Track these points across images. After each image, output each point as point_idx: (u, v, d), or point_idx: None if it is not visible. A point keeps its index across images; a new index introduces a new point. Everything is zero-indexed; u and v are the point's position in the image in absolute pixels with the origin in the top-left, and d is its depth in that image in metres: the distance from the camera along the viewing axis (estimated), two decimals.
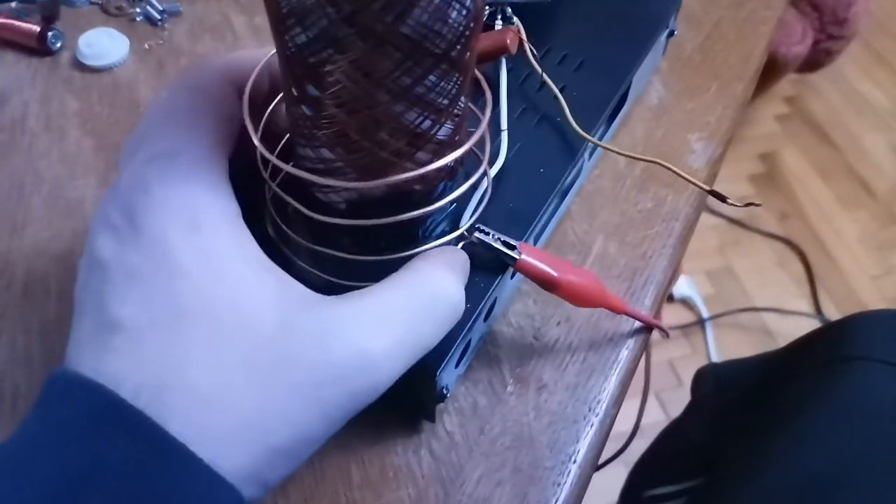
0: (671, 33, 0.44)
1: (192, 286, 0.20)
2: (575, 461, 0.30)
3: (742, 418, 0.47)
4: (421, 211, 0.25)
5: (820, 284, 1.28)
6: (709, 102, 0.44)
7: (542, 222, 0.34)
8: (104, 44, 0.43)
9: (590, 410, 0.31)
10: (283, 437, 0.20)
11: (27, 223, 0.37)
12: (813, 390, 0.41)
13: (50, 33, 0.43)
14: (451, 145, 0.26)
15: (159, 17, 0.46)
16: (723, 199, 0.33)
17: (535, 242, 0.35)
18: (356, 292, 0.23)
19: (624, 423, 0.36)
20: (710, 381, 0.52)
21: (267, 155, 0.24)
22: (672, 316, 1.21)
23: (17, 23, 0.43)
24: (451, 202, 0.26)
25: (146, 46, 0.45)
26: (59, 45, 0.44)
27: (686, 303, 1.23)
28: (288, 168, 0.24)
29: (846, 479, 0.36)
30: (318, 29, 0.21)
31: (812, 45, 1.24)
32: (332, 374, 0.20)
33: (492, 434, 0.30)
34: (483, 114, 0.27)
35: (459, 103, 0.25)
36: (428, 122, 0.24)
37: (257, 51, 0.26)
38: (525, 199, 0.32)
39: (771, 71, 1.26)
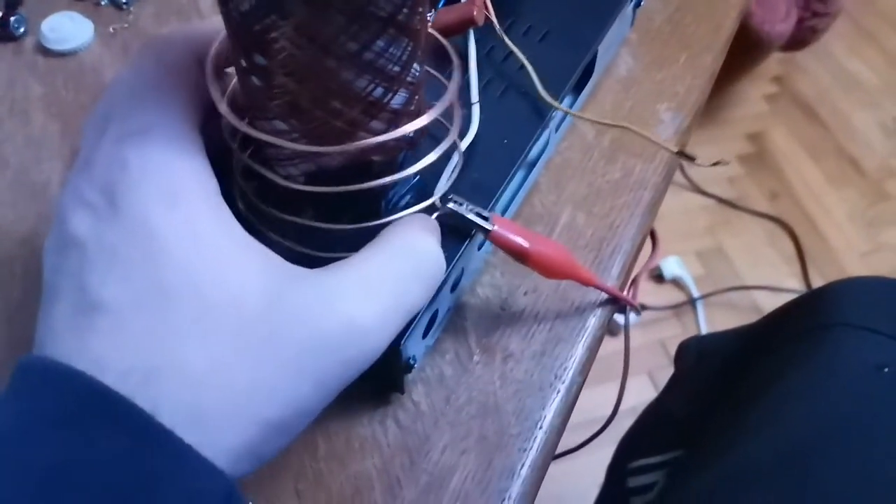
0: (638, 4, 0.44)
1: (177, 264, 0.20)
2: (541, 427, 0.30)
3: (722, 389, 0.47)
4: (383, 180, 0.25)
5: (810, 262, 1.28)
6: (678, 73, 0.44)
7: (508, 194, 0.34)
8: (68, 28, 0.43)
9: (556, 378, 0.31)
10: (277, 412, 0.20)
11: None
12: (792, 358, 0.41)
13: (13, 18, 0.43)
14: (408, 115, 0.25)
15: (124, 1, 0.45)
16: (691, 159, 0.33)
17: (503, 214, 0.35)
18: (340, 262, 0.23)
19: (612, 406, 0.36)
20: (693, 353, 0.52)
21: (230, 117, 0.24)
22: (663, 296, 1.21)
23: None
24: (415, 174, 0.26)
25: (111, 30, 0.44)
26: (22, 29, 0.43)
27: (677, 283, 1.23)
28: (249, 130, 0.24)
29: (825, 445, 0.36)
30: None
31: (797, 22, 1.24)
32: (324, 345, 0.20)
33: (458, 403, 0.30)
34: (450, 84, 0.26)
35: (413, 70, 0.24)
36: (380, 90, 0.23)
37: (217, 19, 0.26)
38: (489, 171, 0.32)
39: (756, 49, 1.25)
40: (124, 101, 0.23)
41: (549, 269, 0.30)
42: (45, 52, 0.43)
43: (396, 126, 0.25)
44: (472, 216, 0.28)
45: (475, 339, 0.32)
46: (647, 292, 1.21)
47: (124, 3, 0.45)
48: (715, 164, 0.32)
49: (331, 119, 0.23)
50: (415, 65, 0.24)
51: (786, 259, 1.29)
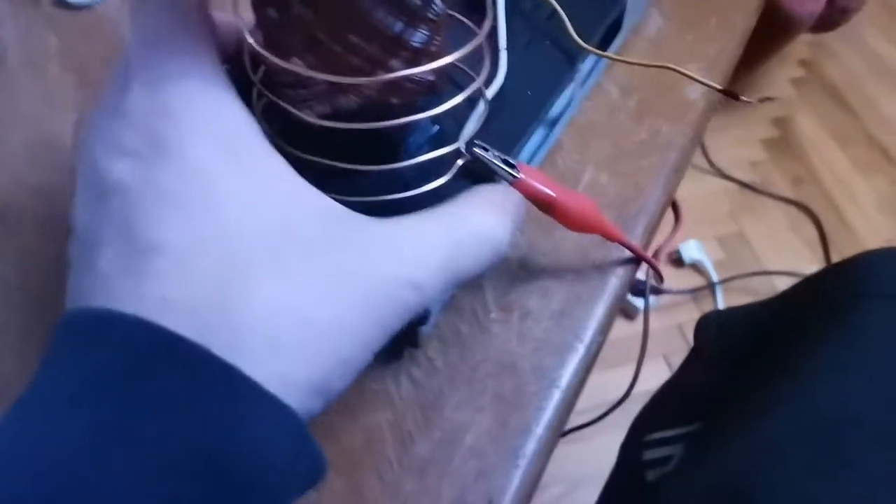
0: None
1: (239, 206, 0.19)
2: (559, 387, 0.29)
3: (745, 361, 0.45)
4: (408, 118, 0.24)
5: (833, 249, 1.25)
6: (709, 35, 0.43)
7: (529, 149, 0.33)
8: None
9: (575, 337, 0.30)
10: (348, 348, 0.20)
11: (6, 159, 0.36)
12: (822, 328, 0.40)
13: None
14: (429, 56, 0.24)
15: None
16: (735, 97, 0.31)
17: None
18: (398, 217, 0.23)
19: (636, 385, 0.35)
20: (713, 326, 0.51)
21: (256, 47, 0.23)
22: (682, 280, 1.20)
23: None
24: (435, 121, 0.25)
25: None
26: None
27: (696, 267, 1.21)
28: (274, 59, 0.23)
29: (858, 420, 0.34)
30: None
31: (827, 2, 1.20)
32: (386, 287, 0.21)
33: (474, 361, 0.30)
34: (480, 29, 0.25)
35: (434, 6, 0.23)
36: (400, 25, 0.22)
37: None
38: (512, 122, 0.31)
39: (784, 30, 1.22)
40: (150, 47, 0.22)
41: (574, 222, 0.29)
42: (63, 4, 0.43)
43: (416, 66, 0.24)
44: (498, 163, 0.27)
45: (493, 297, 0.31)
46: (666, 276, 1.19)
47: None
48: (763, 99, 0.31)
49: (349, 55, 0.23)
50: (434, 1, 0.23)
51: (808, 245, 1.26)
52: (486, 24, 0.25)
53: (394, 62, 0.23)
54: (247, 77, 0.24)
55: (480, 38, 0.25)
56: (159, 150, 0.20)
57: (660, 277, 0.34)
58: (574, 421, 0.30)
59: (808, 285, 0.45)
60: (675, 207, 0.41)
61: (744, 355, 0.46)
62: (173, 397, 0.17)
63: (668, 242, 0.37)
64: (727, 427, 0.41)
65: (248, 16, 0.24)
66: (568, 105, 0.36)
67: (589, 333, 0.30)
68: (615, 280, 0.32)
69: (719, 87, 0.31)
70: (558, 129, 0.36)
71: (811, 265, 1.23)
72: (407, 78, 0.24)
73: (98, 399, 0.17)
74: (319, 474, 0.20)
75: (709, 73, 0.41)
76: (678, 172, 0.37)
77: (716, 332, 0.50)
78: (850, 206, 1.33)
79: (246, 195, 0.20)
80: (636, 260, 0.33)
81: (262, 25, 0.24)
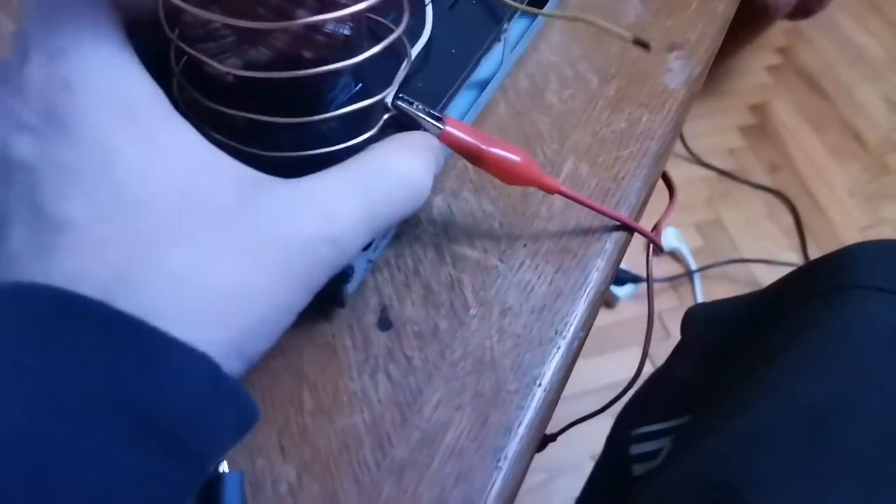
0: None
1: (143, 176, 0.19)
2: (540, 384, 0.28)
3: (732, 353, 0.45)
4: (323, 68, 0.23)
5: (809, 236, 1.26)
6: (689, 19, 0.42)
7: (458, 109, 0.33)
8: None
9: (557, 333, 0.30)
10: (261, 308, 0.20)
11: None
12: (807, 321, 0.40)
13: None
14: (337, 6, 0.23)
15: None
16: (646, 46, 0.31)
17: None
18: (310, 175, 0.22)
19: (616, 375, 0.34)
20: (700, 318, 0.50)
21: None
22: (660, 268, 1.20)
23: None
24: (356, 78, 0.25)
25: None
26: None
27: (674, 255, 1.21)
28: (191, 9, 0.22)
29: (845, 408, 0.34)
30: None
31: None
32: (301, 246, 0.21)
33: (452, 358, 0.29)
34: None
35: None
36: None
37: None
38: (436, 81, 0.30)
39: (761, 18, 1.22)
40: (44, 18, 0.21)
41: (508, 173, 0.28)
42: None
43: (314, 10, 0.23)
44: (423, 116, 0.26)
45: (471, 292, 0.30)
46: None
47: None
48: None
49: (254, 4, 0.22)
50: None
51: (785, 232, 1.27)
52: None
53: (300, 11, 0.23)
54: (164, 36, 0.24)
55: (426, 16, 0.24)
56: (57, 124, 0.19)
57: (659, 249, 0.34)
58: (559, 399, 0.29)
59: (794, 278, 0.45)
60: (669, 184, 0.40)
61: (731, 348, 0.46)
62: (81, 350, 0.17)
63: (666, 215, 0.36)
64: (715, 417, 0.41)
65: None
66: (499, 66, 0.35)
67: (570, 329, 0.30)
68: (596, 275, 0.31)
69: (629, 34, 0.30)
70: (489, 90, 0.36)
71: (788, 252, 1.24)
72: (317, 29, 0.24)
73: (10, 364, 0.17)
74: (250, 417, 0.20)
75: (689, 60, 0.40)
76: (659, 162, 0.36)
77: (703, 324, 0.49)
78: (825, 192, 1.34)
79: (148, 164, 0.20)
80: (619, 253, 0.32)
81: None
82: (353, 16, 0.23)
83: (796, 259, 1.23)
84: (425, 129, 0.26)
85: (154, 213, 0.19)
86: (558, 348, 0.29)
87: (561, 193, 0.30)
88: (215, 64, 0.23)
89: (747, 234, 1.26)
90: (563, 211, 0.33)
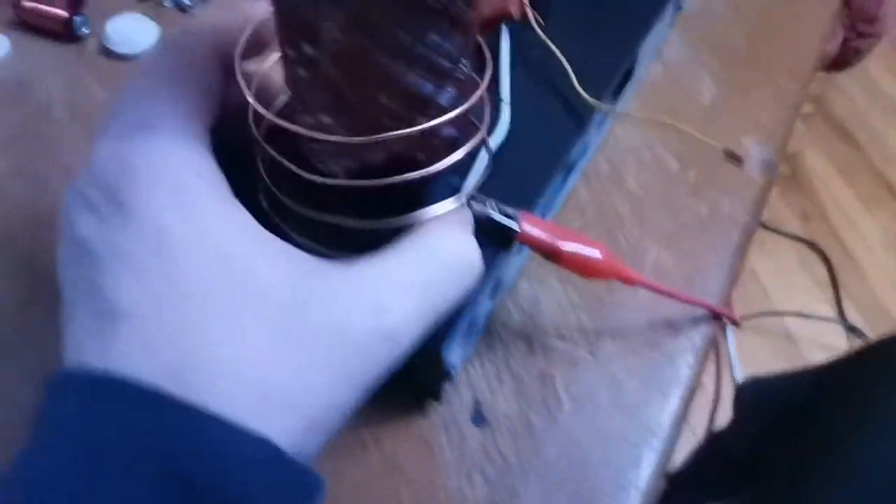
0: (679, 7, 0.43)
1: (195, 265, 0.19)
2: (636, 486, 0.28)
3: (788, 432, 0.45)
4: (420, 172, 0.23)
5: (843, 288, 1.25)
6: (763, 102, 0.42)
7: (546, 199, 0.33)
8: (132, 30, 0.41)
9: (651, 433, 0.29)
10: (315, 408, 0.19)
11: (53, 220, 0.35)
12: (871, 405, 0.39)
13: (77, 18, 0.41)
14: (461, 122, 0.24)
15: (189, 3, 0.44)
16: (738, 159, 0.31)
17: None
18: (367, 257, 0.22)
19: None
20: (750, 394, 0.50)
21: (259, 109, 0.23)
22: None
23: (44, 7, 0.41)
24: (453, 170, 0.25)
25: None
26: (85, 30, 0.42)
27: None
28: (280, 122, 0.23)
29: None
30: None
31: (841, 42, 1.21)
32: (355, 341, 0.20)
33: (547, 457, 0.29)
34: (482, 79, 0.25)
35: (462, 66, 0.23)
36: (429, 86, 0.22)
37: (242, 3, 0.25)
38: (527, 175, 0.31)
39: None
40: (131, 96, 0.22)
41: (586, 268, 0.28)
42: (108, 53, 0.41)
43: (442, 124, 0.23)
44: (497, 216, 0.26)
45: (563, 387, 0.30)
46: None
47: (188, 5, 0.44)
48: (768, 172, 0.30)
49: (377, 114, 0.22)
50: (462, 61, 0.23)
51: (818, 284, 1.26)
52: (487, 75, 0.24)
53: (421, 120, 0.23)
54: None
55: (482, 88, 0.24)
56: (116, 205, 0.20)
57: (735, 323, 0.34)
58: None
59: (855, 358, 0.45)
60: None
61: (787, 425, 0.45)
62: (135, 429, 0.17)
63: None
64: (776, 497, 0.40)
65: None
66: (584, 151, 0.36)
67: (665, 428, 0.29)
68: (687, 370, 0.31)
69: (720, 145, 0.31)
70: (574, 176, 0.36)
71: (822, 305, 1.23)
72: (434, 134, 0.24)
73: (72, 439, 0.17)
74: (314, 489, 0.19)
75: (766, 144, 0.40)
76: (741, 251, 0.36)
77: (754, 400, 0.49)
78: (858, 243, 1.33)
79: (203, 253, 0.19)
80: (710, 345, 0.32)
81: (291, 82, 0.23)
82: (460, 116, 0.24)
83: (830, 312, 1.22)
84: (503, 229, 0.26)
85: (207, 303, 0.19)
86: (653, 449, 0.29)
87: (642, 285, 0.30)
88: (302, 173, 0.23)
89: (780, 286, 1.25)
90: (649, 301, 0.33)
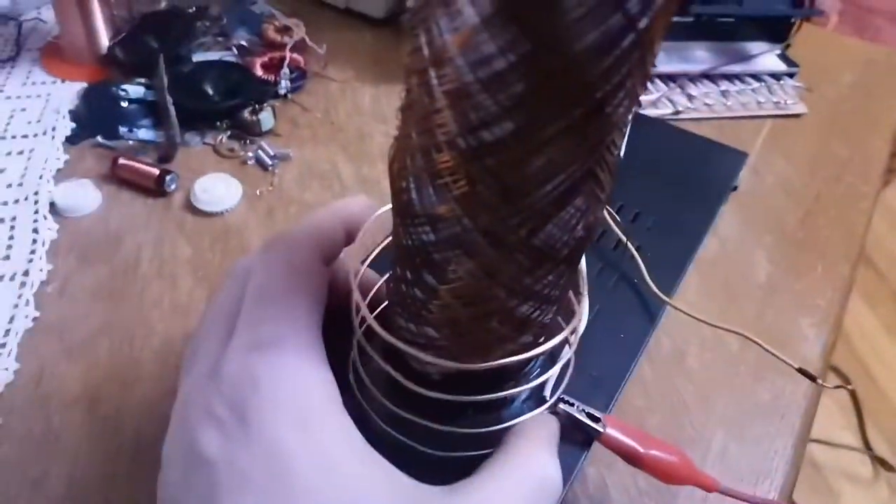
0: (734, 188, 0.45)
1: (307, 489, 0.20)
2: None
3: None
4: (512, 391, 0.25)
5: (867, 416, 1.24)
6: (817, 284, 0.44)
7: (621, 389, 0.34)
8: (219, 189, 0.44)
9: None
10: None
11: (137, 379, 0.36)
12: None
13: (167, 177, 0.44)
14: (552, 326, 0.26)
15: (270, 163, 0.47)
16: (812, 378, 0.32)
17: (608, 410, 0.34)
18: (462, 484, 0.23)
19: None
20: None
21: (381, 332, 0.24)
22: None
23: (138, 165, 0.44)
24: (539, 375, 0.27)
25: (257, 193, 0.45)
26: (174, 187, 0.44)
27: None
28: (400, 344, 0.24)
29: None
30: (449, 234, 0.21)
31: None
32: None
33: None
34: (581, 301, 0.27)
35: (558, 290, 0.25)
36: (538, 312, 0.24)
37: (337, 208, 0.27)
38: (607, 366, 0.32)
39: None
40: (257, 302, 0.23)
41: (666, 474, 0.28)
42: (193, 210, 0.44)
43: (539, 337, 0.25)
44: (583, 418, 0.28)
45: None
46: None
47: (270, 165, 0.47)
48: (837, 387, 0.32)
49: (484, 335, 0.24)
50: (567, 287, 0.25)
51: (842, 410, 1.25)
52: (584, 302, 0.27)
53: (524, 338, 0.25)
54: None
55: (584, 305, 0.27)
56: (241, 423, 0.20)
57: None
58: None
59: None
60: None
61: None
62: None
63: None
64: None
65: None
66: (648, 335, 0.37)
67: None
68: None
69: (796, 365, 0.32)
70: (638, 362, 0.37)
71: (845, 433, 1.21)
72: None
73: None
74: None
75: (821, 328, 0.41)
76: (803, 441, 0.37)
77: None
78: (881, 368, 1.32)
79: (316, 475, 0.20)
80: None
81: (401, 296, 0.25)
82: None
83: (854, 441, 1.20)
84: (586, 431, 0.28)
85: None
86: None
87: (720, 492, 0.30)
88: (411, 385, 0.25)
89: None
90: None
